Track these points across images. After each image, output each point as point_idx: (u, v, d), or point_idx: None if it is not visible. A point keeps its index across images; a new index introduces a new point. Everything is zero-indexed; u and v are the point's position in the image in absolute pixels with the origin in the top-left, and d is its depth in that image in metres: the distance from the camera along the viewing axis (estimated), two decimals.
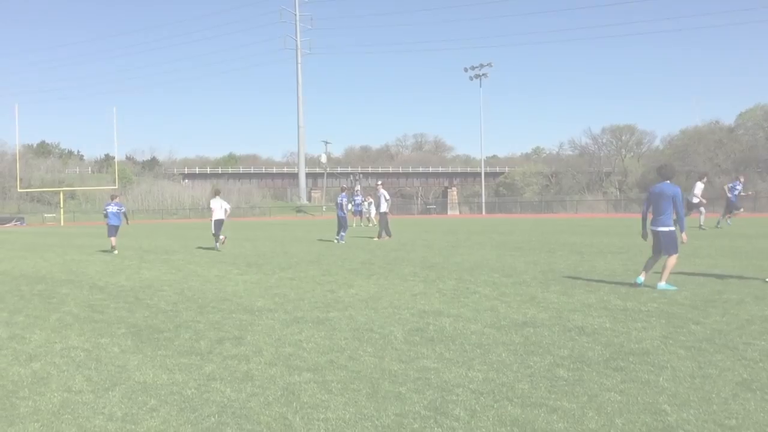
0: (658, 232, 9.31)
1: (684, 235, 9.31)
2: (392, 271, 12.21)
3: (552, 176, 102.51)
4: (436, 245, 18.85)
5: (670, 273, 9.32)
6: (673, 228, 9.28)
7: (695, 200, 22.57)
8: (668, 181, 9.36)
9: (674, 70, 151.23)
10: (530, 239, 20.49)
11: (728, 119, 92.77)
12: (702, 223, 22.80)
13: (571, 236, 21.56)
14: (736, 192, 23.42)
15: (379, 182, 24.57)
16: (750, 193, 29.33)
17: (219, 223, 19.32)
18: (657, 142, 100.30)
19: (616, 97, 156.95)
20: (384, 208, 22.02)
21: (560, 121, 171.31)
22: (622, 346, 5.92)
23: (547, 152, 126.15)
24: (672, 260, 9.20)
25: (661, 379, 4.92)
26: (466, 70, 78.52)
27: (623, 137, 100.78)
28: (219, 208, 19.51)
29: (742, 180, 24.03)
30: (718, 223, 23.83)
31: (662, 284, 9.09)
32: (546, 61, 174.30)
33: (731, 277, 10.21)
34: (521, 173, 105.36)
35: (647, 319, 7.10)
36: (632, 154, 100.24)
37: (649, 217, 9.57)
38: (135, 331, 7.26)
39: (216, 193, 20.47)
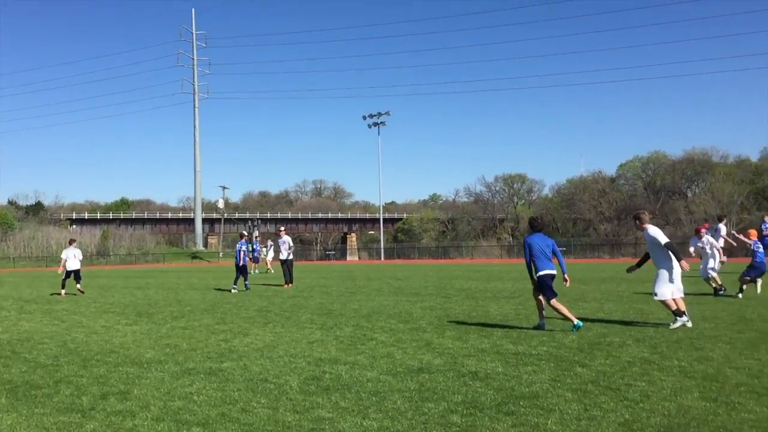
0: (551, 274, 9.72)
1: (567, 278, 9.84)
2: (289, 319, 12.04)
3: (448, 222, 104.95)
4: (334, 291, 18.78)
5: (564, 314, 9.64)
6: (550, 272, 9.69)
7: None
8: (540, 232, 9.87)
9: (562, 123, 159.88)
10: (427, 285, 20.78)
11: (610, 170, 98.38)
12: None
13: (466, 282, 22.03)
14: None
15: (282, 228, 24.22)
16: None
17: (75, 273, 19.83)
18: (546, 191, 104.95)
19: (508, 147, 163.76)
20: (286, 255, 21.70)
21: (456, 169, 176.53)
22: (514, 390, 6.05)
23: (444, 199, 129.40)
24: (554, 303, 9.58)
25: (549, 422, 5.05)
26: (364, 117, 79.84)
27: (515, 185, 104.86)
28: (73, 257, 19.96)
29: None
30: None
31: (577, 323, 9.47)
32: (443, 110, 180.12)
33: (615, 321, 10.71)
34: (419, 219, 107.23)
35: (537, 362, 7.32)
36: (524, 201, 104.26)
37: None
38: (10, 388, 6.77)
39: (70, 242, 20.89)
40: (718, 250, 15.65)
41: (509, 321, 10.95)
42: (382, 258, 76.27)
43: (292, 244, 22.23)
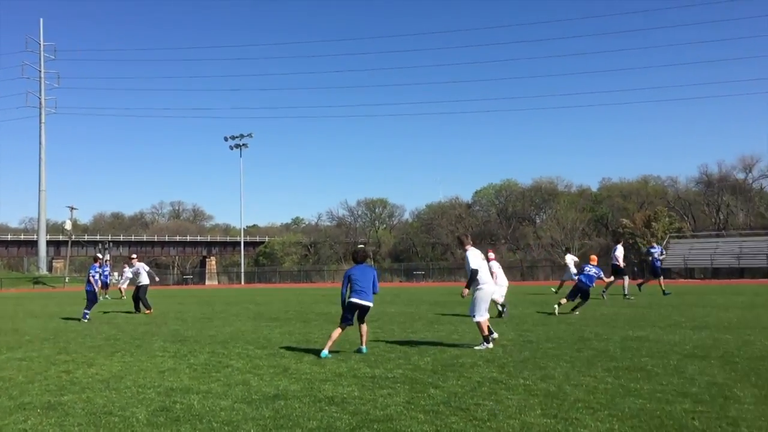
0: (366, 306, 9.93)
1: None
2: (139, 347, 11.48)
3: (311, 246, 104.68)
4: (190, 317, 18.15)
5: (330, 340, 10.03)
6: (359, 301, 9.92)
7: (620, 264, 22.50)
8: (364, 263, 10.25)
9: (421, 149, 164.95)
10: (287, 309, 20.59)
11: (466, 196, 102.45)
12: (627, 292, 22.31)
13: (327, 306, 22.05)
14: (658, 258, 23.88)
15: (134, 256, 23.01)
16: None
17: None
18: (406, 215, 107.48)
19: (370, 172, 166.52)
20: (145, 280, 20.67)
21: (319, 193, 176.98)
22: (368, 414, 6.11)
23: (307, 223, 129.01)
24: (338, 331, 10.00)
25: None
26: (226, 139, 78.47)
27: (377, 209, 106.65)
28: None
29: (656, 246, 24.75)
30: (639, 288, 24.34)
31: (364, 348, 10.00)
32: (306, 133, 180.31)
33: (467, 343, 11.11)
34: (281, 243, 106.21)
35: (393, 385, 7.43)
36: (385, 225, 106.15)
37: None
38: None
39: None
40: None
41: (368, 344, 11.05)
42: (243, 282, 74.73)
43: (147, 268, 21.32)
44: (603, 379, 7.57)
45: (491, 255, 16.17)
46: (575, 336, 11.67)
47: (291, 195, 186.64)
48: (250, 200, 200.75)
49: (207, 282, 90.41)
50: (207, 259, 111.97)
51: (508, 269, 66.81)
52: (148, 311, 19.96)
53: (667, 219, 61.34)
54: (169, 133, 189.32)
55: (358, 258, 10.27)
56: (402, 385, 7.41)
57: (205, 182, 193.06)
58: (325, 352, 9.75)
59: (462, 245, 10.69)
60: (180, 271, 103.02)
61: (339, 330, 10.02)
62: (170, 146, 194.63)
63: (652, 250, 24.44)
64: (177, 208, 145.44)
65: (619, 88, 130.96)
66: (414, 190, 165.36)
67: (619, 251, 23.08)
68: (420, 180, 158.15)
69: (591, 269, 16.01)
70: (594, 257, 16.89)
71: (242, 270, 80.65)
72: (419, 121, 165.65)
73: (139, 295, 20.44)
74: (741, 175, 75.67)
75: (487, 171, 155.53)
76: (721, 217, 71.95)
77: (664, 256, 22.95)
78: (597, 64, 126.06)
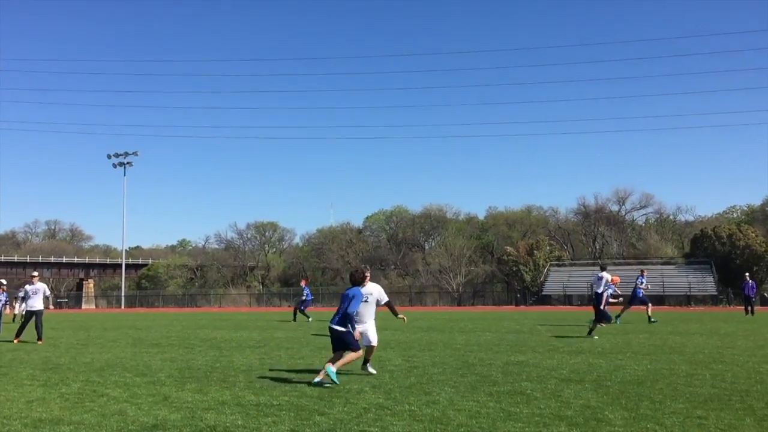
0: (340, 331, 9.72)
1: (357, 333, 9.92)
2: (6, 375, 10.72)
3: (197, 269, 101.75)
4: (63, 343, 17.15)
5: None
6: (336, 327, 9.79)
7: (641, 293, 23.57)
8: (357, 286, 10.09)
9: (314, 174, 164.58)
10: (170, 335, 19.87)
11: (357, 221, 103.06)
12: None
13: (212, 331, 21.46)
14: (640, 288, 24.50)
15: (35, 273, 21.10)
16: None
17: None
18: (297, 239, 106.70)
19: (261, 195, 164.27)
20: (40, 305, 18.50)
21: (207, 215, 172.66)
22: None
23: (193, 245, 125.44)
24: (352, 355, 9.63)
25: None
26: (109, 156, 75.39)
27: (266, 233, 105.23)
28: None
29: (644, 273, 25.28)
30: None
31: (332, 369, 9.36)
32: (195, 154, 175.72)
33: (355, 370, 11.10)
34: (165, 266, 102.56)
35: (278, 413, 7.31)
36: (275, 249, 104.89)
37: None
38: None
39: None
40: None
41: (254, 371, 10.83)
42: (123, 306, 71.58)
43: (48, 292, 19.11)
44: (485, 403, 7.76)
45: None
46: (460, 361, 11.93)
47: (178, 216, 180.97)
48: (134, 221, 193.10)
49: (84, 306, 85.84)
50: (84, 282, 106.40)
51: (396, 294, 67.45)
52: (40, 341, 17.61)
53: (548, 247, 64.07)
54: (46, 148, 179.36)
55: (355, 280, 10.21)
56: (287, 413, 7.29)
57: (85, 201, 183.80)
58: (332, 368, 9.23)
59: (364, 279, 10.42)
60: (54, 295, 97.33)
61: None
62: (47, 162, 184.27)
63: (638, 281, 25.51)
64: (53, 227, 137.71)
65: (508, 120, 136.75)
66: (305, 215, 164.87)
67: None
68: (312, 204, 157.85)
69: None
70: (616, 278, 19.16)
71: (123, 293, 77.24)
72: (313, 145, 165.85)
73: (37, 321, 17.99)
74: (615, 207, 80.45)
75: (378, 197, 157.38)
76: (597, 247, 75.97)
77: (645, 286, 24.54)
78: (486, 95, 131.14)
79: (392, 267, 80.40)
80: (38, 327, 17.82)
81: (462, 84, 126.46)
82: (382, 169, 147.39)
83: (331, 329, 9.86)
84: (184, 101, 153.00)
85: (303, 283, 29.06)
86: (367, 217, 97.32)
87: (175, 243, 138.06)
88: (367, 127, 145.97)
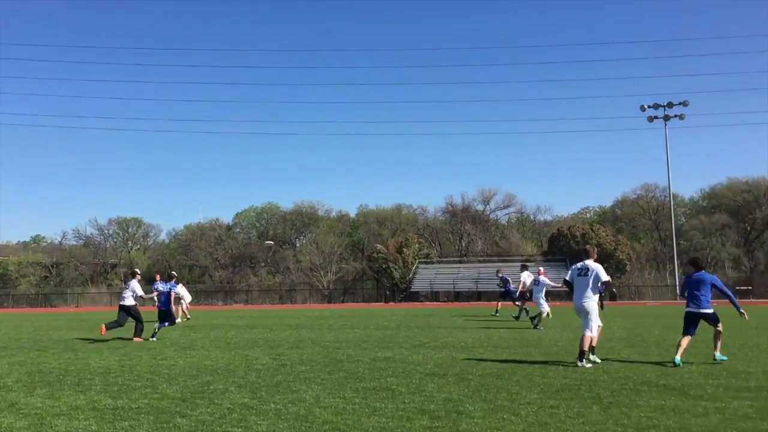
0: None
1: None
2: None
3: (53, 267, 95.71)
4: None
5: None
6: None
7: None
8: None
9: (182, 169, 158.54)
10: (20, 337, 18.55)
11: (227, 218, 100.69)
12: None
13: (68, 332, 20.25)
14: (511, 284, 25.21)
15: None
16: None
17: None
18: (163, 236, 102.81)
19: (124, 190, 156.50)
20: None
21: (65, 210, 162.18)
22: None
23: (49, 241, 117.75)
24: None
25: None
26: None
27: (130, 229, 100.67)
28: None
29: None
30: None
31: None
32: (52, 145, 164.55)
33: (220, 367, 10.85)
34: (17, 263, 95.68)
35: (136, 416, 7.01)
36: (139, 246, 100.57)
37: None
38: None
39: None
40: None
41: (111, 374, 10.32)
42: None
43: None
44: (351, 399, 7.83)
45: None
46: (328, 358, 11.96)
47: (32, 211, 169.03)
48: None
49: None
50: None
51: (266, 292, 66.55)
52: None
53: (416, 245, 65.54)
54: None
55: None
56: (146, 416, 7.01)
57: None
58: None
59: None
60: None
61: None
62: None
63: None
64: None
65: (380, 120, 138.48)
66: (172, 211, 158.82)
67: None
68: (179, 200, 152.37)
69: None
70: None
71: None
72: (181, 139, 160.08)
73: None
74: (480, 207, 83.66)
75: (249, 193, 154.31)
76: (464, 245, 78.67)
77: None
78: (357, 94, 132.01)
79: (263, 264, 79.35)
80: None
81: (332, 82, 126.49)
82: (253, 166, 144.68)
83: None
84: (43, 89, 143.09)
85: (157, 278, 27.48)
86: (237, 214, 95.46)
87: (28, 239, 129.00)
88: (236, 122, 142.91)
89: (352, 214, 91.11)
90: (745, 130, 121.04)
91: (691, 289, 11.08)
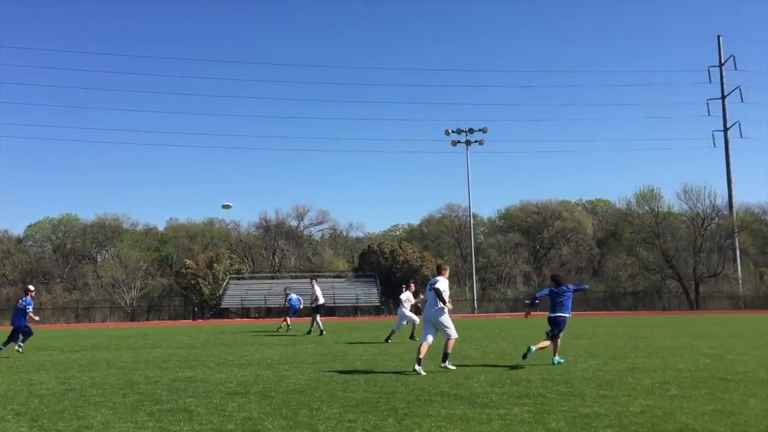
0: None
1: None
2: None
3: None
4: None
5: None
6: None
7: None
8: None
9: None
10: None
11: (18, 230, 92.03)
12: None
13: None
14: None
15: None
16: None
17: None
18: None
19: None
20: None
21: None
22: None
23: None
24: None
25: None
26: None
27: None
28: None
29: None
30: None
31: None
32: None
33: None
34: None
35: None
36: None
37: None
38: None
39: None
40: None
41: None
42: None
43: None
44: (144, 423, 7.47)
45: None
46: (123, 380, 11.32)
47: None
48: None
49: None
50: None
51: (61, 310, 61.62)
52: None
53: (228, 261, 64.12)
54: None
55: None
56: None
57: None
58: None
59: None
60: None
61: None
62: None
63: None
64: None
65: (191, 131, 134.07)
66: None
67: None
68: None
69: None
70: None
71: None
72: None
73: None
74: (294, 223, 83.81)
75: (44, 204, 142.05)
76: (277, 260, 78.26)
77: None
78: (162, 104, 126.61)
79: (58, 280, 73.41)
80: None
81: (133, 89, 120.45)
82: (50, 174, 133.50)
83: None
84: None
85: None
86: (29, 225, 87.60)
87: None
88: (24, 126, 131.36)
89: (161, 227, 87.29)
90: (536, 157, 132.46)
91: (554, 298, 13.12)
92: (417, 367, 11.55)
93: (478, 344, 18.23)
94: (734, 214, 67.05)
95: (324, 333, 23.18)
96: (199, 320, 53.51)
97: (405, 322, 20.34)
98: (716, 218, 65.37)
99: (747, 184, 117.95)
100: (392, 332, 19.81)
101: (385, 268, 60.40)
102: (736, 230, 64.52)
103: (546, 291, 13.53)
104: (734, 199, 69.29)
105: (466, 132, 62.08)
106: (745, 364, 12.31)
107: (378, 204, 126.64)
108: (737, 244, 65.57)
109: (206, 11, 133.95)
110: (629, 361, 13.15)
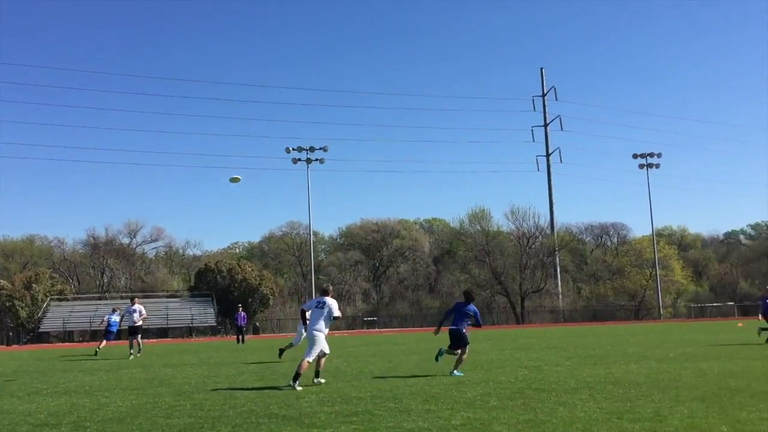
0: None
1: None
2: None
3: None
4: None
5: None
6: None
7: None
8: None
9: None
10: None
11: None
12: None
13: None
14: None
15: None
16: None
17: None
18: None
19: None
20: None
21: None
22: None
23: None
24: None
25: None
26: None
27: None
28: None
29: None
30: None
31: None
32: None
33: None
34: None
35: None
36: None
37: None
38: None
39: None
40: None
41: None
42: None
43: None
44: None
45: None
46: None
47: None
48: None
49: None
50: None
51: None
52: None
53: (49, 281, 59.55)
54: None
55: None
56: None
57: None
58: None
59: None
60: None
61: None
62: None
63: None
64: None
65: (10, 141, 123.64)
66: None
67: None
68: None
69: None
70: None
71: None
72: None
73: None
74: (126, 240, 79.54)
75: None
76: (105, 280, 73.77)
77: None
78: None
79: None
80: None
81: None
82: None
83: None
84: None
85: None
86: None
87: None
88: None
89: None
90: (375, 176, 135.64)
91: (458, 313, 13.82)
92: (293, 383, 11.89)
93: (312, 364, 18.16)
94: (555, 234, 72.35)
95: (141, 353, 22.40)
96: (14, 345, 49.15)
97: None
98: (540, 237, 70.20)
99: (566, 206, 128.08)
100: (290, 345, 19.17)
101: (222, 287, 58.89)
102: (556, 248, 69.61)
103: (452, 308, 14.26)
104: (555, 220, 74.84)
105: (306, 150, 62.27)
106: (558, 375, 13.21)
107: (217, 221, 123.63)
108: (558, 262, 70.76)
109: None
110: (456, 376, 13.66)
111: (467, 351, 13.83)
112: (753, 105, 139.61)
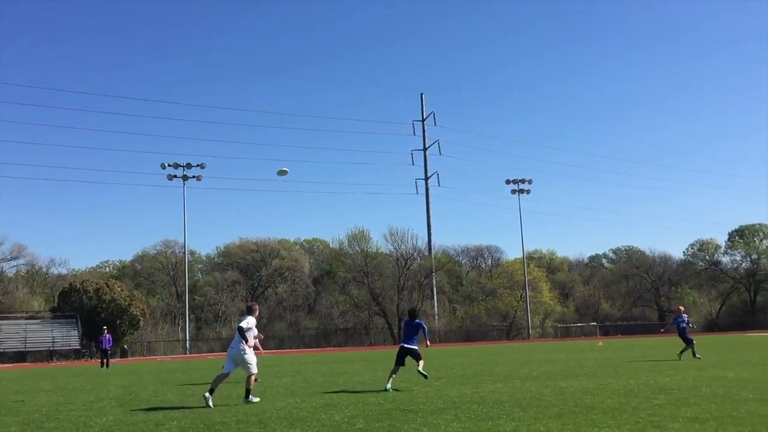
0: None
1: None
2: None
3: None
4: None
5: None
6: None
7: None
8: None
9: None
10: None
11: None
12: None
13: None
14: None
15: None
16: None
17: None
18: None
19: None
20: None
21: None
22: None
23: None
24: None
25: None
26: None
27: None
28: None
29: None
30: None
31: None
32: None
33: None
34: None
35: None
36: None
37: None
38: None
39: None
40: None
41: None
42: None
43: None
44: None
45: None
46: None
47: None
48: None
49: None
50: None
51: None
52: None
53: None
54: None
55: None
56: None
57: None
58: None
59: None
60: None
61: None
62: None
63: None
64: None
65: None
66: None
67: None
68: None
69: None
70: None
71: None
72: None
73: None
74: None
75: None
76: None
77: None
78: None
79: None
80: None
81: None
82: None
83: None
84: None
85: None
86: None
87: None
88: None
89: None
90: (255, 195, 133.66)
91: (407, 330, 14.72)
92: (207, 395, 12.34)
93: (179, 388, 17.48)
94: (432, 256, 73.95)
95: None
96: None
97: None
98: (418, 259, 71.48)
99: (444, 228, 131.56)
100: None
101: (88, 308, 55.66)
102: (433, 270, 71.12)
103: (404, 327, 15.10)
104: (433, 242, 76.54)
105: (183, 167, 60.47)
106: (426, 395, 13.37)
107: (85, 238, 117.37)
108: (434, 283, 72.28)
109: None
110: (326, 398, 13.53)
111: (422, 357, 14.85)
112: (617, 136, 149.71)
